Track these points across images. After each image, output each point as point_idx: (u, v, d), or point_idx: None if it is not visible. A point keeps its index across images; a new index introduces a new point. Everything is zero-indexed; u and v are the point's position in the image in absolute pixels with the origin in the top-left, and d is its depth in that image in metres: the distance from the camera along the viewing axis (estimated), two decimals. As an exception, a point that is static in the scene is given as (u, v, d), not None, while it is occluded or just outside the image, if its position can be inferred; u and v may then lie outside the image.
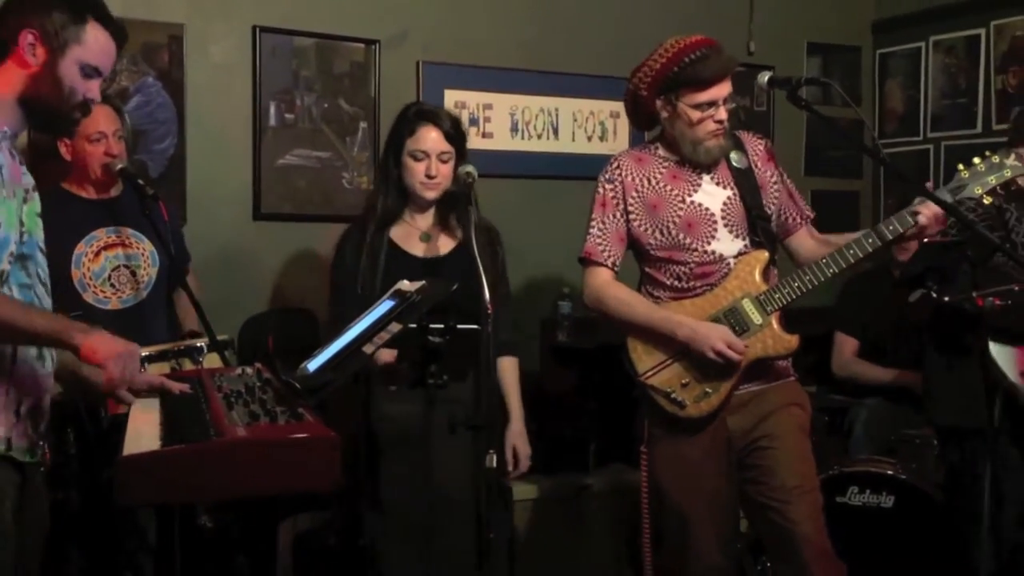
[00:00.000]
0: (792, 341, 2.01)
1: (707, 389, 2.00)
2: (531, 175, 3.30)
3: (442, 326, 1.81)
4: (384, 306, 1.77)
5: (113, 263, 2.32)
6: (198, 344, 2.15)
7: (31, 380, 1.50)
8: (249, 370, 1.80)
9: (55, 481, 1.87)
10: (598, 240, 2.08)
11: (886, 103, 3.90)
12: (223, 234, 2.83)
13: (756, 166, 2.11)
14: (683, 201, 2.05)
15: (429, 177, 2.13)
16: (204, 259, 2.65)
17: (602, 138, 3.43)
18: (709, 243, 2.03)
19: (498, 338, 1.95)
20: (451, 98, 3.14)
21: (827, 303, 3.09)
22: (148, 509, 2.06)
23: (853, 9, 3.89)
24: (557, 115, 3.36)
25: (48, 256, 1.59)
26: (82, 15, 1.49)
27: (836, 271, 1.98)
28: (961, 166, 1.97)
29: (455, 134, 2.17)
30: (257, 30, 2.89)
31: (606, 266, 2.07)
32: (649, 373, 2.03)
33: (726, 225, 2.04)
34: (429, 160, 2.13)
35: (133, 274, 2.33)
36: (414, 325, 1.76)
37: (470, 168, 2.01)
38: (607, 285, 2.07)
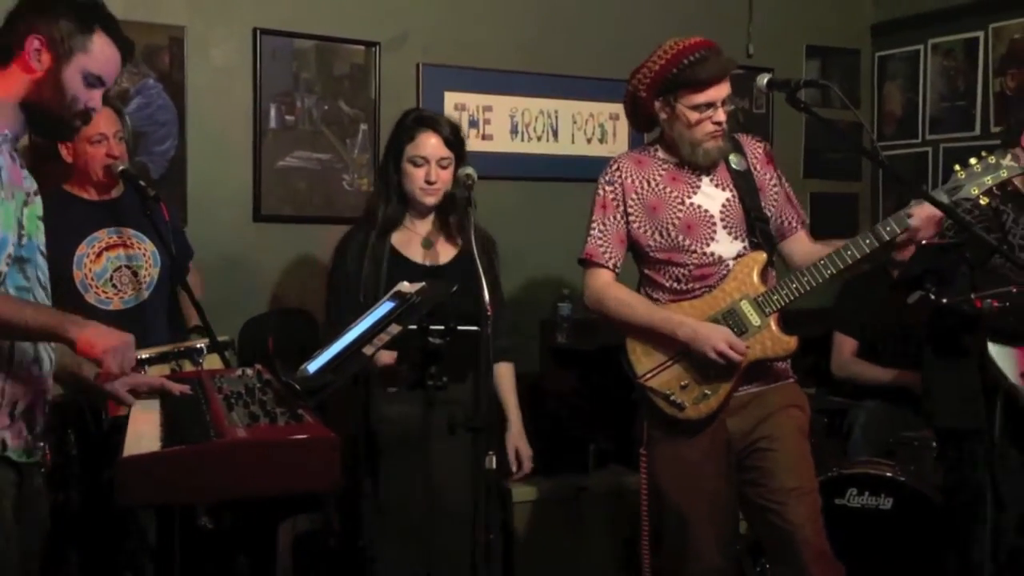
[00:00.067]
0: (791, 342, 2.01)
1: (706, 391, 2.01)
2: (531, 177, 3.31)
3: (442, 328, 1.82)
4: (384, 308, 1.77)
5: (115, 264, 2.32)
6: (198, 345, 2.15)
7: (27, 382, 1.50)
8: (249, 371, 1.81)
9: (56, 482, 1.88)
10: (599, 242, 2.08)
11: (885, 105, 3.91)
12: (223, 235, 2.83)
13: (755, 169, 2.11)
14: (682, 203, 2.06)
15: (429, 183, 2.14)
16: (204, 261, 2.66)
17: (601, 140, 3.44)
18: (708, 245, 2.04)
19: (495, 343, 1.95)
20: (451, 100, 3.15)
21: (825, 304, 3.09)
22: (148, 510, 2.07)
23: (852, 12, 3.90)
24: (557, 117, 3.37)
25: (49, 257, 1.59)
26: (90, 25, 1.50)
27: (834, 272, 1.99)
28: (957, 167, 1.98)
29: (454, 140, 2.18)
30: (257, 32, 2.90)
31: (607, 267, 2.08)
32: (648, 375, 2.04)
33: (725, 227, 2.05)
34: (429, 166, 2.14)
35: (135, 274, 2.34)
36: (414, 327, 1.77)
37: (470, 170, 2.02)
38: (608, 286, 2.08)
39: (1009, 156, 1.97)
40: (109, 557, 2.15)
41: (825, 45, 3.84)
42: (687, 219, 2.04)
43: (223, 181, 2.88)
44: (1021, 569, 2.31)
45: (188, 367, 2.10)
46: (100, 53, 1.51)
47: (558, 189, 3.29)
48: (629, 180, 2.08)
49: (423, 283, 1.82)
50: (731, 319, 2.01)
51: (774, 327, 2.01)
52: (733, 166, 2.08)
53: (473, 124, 3.19)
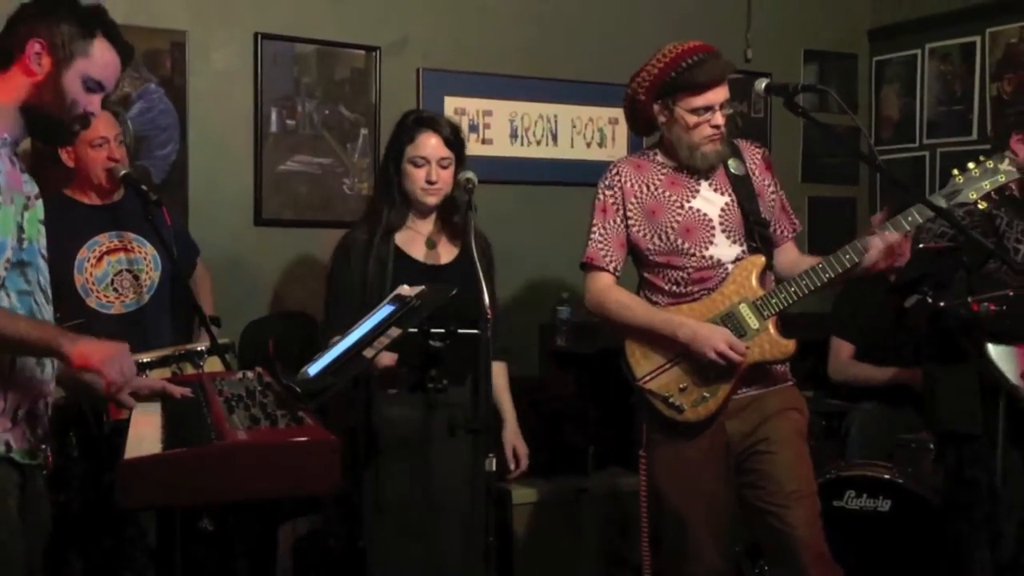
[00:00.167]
0: (789, 346, 2.02)
1: (705, 393, 2.01)
2: (530, 181, 3.32)
3: (443, 330, 1.83)
4: (384, 311, 1.78)
5: (116, 268, 2.33)
6: (199, 348, 2.16)
7: (29, 385, 1.50)
8: (250, 374, 1.81)
9: (57, 484, 1.88)
10: (599, 245, 2.09)
11: (882, 110, 3.92)
12: (224, 239, 2.84)
13: (754, 174, 2.13)
14: (681, 207, 2.07)
15: (430, 183, 2.15)
16: (206, 264, 2.67)
17: (600, 144, 3.45)
18: (707, 248, 2.05)
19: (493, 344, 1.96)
20: (451, 105, 3.16)
21: (823, 308, 3.10)
22: (149, 512, 2.07)
23: (850, 17, 3.92)
24: (556, 121, 3.38)
25: (50, 262, 1.60)
26: (91, 30, 1.51)
27: (832, 276, 2.00)
28: (956, 171, 1.99)
29: (454, 140, 2.18)
30: (258, 37, 2.92)
31: (607, 271, 2.09)
32: (647, 377, 2.05)
33: (724, 231, 2.06)
34: (429, 166, 2.15)
35: (136, 278, 2.34)
36: (414, 329, 1.78)
37: (470, 174, 2.03)
38: (608, 289, 2.09)
39: (1007, 160, 1.98)
40: (110, 559, 2.16)
41: (823, 50, 3.86)
42: (686, 223, 2.06)
43: (224, 185, 2.89)
44: (1020, 572, 2.31)
45: (189, 370, 2.10)
46: (100, 58, 1.51)
47: (557, 193, 3.30)
48: (628, 184, 2.09)
49: (423, 287, 1.82)
50: (730, 322, 2.01)
51: (772, 330, 2.02)
52: (732, 171, 2.09)
53: (473, 128, 3.20)
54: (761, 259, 2.05)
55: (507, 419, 2.27)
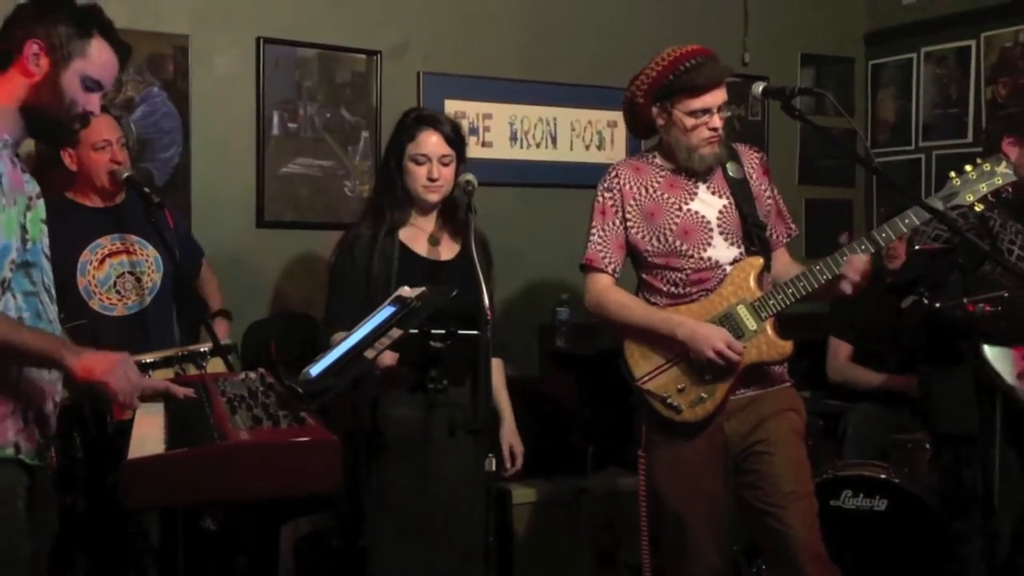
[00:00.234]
0: (786, 347, 2.03)
1: (703, 394, 2.03)
2: (530, 183, 3.33)
3: (443, 331, 1.84)
4: (385, 312, 1.80)
5: (118, 270, 2.34)
6: (202, 349, 2.18)
7: (38, 387, 1.52)
8: (252, 375, 1.82)
9: (61, 485, 1.89)
10: (599, 247, 2.11)
11: (878, 113, 3.94)
12: (227, 241, 2.85)
13: (751, 177, 2.14)
14: (680, 209, 2.08)
15: (431, 180, 2.16)
16: (208, 265, 2.68)
17: (599, 147, 3.47)
18: (705, 250, 2.06)
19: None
20: (451, 108, 3.17)
21: (821, 309, 3.12)
22: (152, 512, 2.08)
23: (846, 21, 3.94)
24: (555, 124, 3.40)
25: (53, 264, 1.60)
26: (88, 30, 1.51)
27: (830, 277, 2.01)
28: (953, 174, 1.99)
29: (455, 137, 2.19)
30: (261, 41, 2.93)
31: (607, 272, 2.10)
32: (646, 378, 2.06)
33: (722, 233, 2.08)
34: (430, 164, 2.16)
35: (138, 280, 2.35)
36: (415, 330, 1.79)
37: (470, 177, 2.04)
38: (608, 290, 2.10)
39: (1004, 163, 1.99)
40: (113, 559, 2.17)
41: (819, 53, 3.88)
42: (684, 224, 2.07)
43: (226, 187, 2.91)
44: (1016, 571, 2.32)
45: (192, 371, 2.11)
46: (98, 57, 1.52)
47: (557, 195, 3.32)
48: (627, 187, 2.11)
49: (424, 288, 1.84)
50: (728, 323, 2.03)
51: (770, 331, 2.03)
52: (730, 174, 2.11)
53: (473, 131, 3.21)
54: (759, 261, 2.06)
55: (504, 417, 2.28)
